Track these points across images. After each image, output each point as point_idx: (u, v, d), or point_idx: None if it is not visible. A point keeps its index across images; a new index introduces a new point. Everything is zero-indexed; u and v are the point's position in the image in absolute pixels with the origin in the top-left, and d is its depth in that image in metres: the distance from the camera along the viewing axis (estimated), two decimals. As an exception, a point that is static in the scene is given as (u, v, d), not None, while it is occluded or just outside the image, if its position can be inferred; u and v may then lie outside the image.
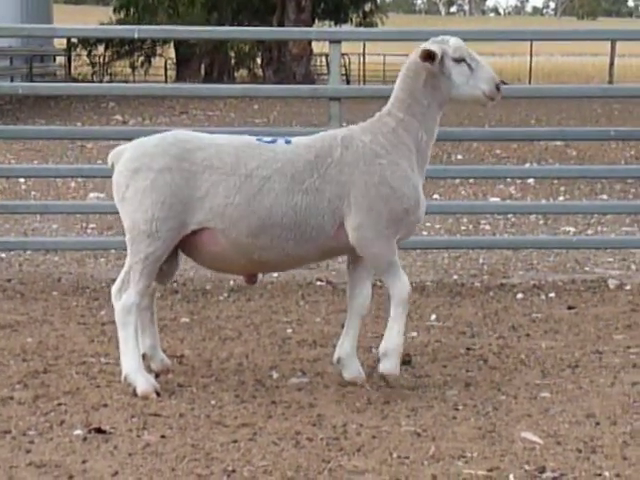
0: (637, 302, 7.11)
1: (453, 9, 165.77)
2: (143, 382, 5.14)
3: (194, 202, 5.13)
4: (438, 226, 10.06)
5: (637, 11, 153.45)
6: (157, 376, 5.35)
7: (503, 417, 4.83)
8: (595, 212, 10.03)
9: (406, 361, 5.64)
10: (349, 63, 38.04)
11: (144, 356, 5.37)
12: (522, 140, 11.82)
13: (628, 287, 7.49)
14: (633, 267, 8.36)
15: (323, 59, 35.34)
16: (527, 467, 4.22)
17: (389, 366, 5.18)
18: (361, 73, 39.89)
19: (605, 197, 11.72)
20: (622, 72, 35.66)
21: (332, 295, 7.38)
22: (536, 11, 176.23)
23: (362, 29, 28.70)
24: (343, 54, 35.77)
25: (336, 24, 39.39)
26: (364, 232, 5.16)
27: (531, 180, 12.27)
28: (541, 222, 10.19)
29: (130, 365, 5.17)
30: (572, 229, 9.83)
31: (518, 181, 12.39)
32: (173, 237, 5.16)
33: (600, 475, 4.14)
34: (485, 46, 46.16)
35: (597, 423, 4.73)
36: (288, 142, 5.33)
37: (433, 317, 6.77)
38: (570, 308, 6.88)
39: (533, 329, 6.48)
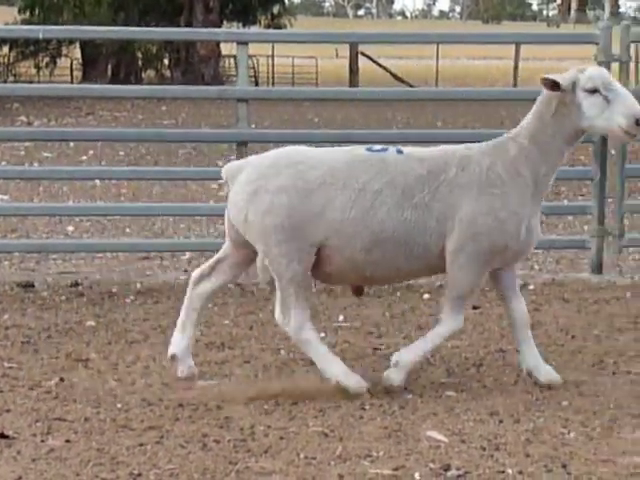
0: (540, 302, 7.23)
1: (361, 12, 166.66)
2: (355, 381, 5.12)
3: (311, 220, 5.09)
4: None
5: (541, 15, 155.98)
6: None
7: (409, 416, 4.87)
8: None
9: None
10: (258, 65, 38.02)
11: (174, 357, 5.32)
12: (429, 142, 11.90)
13: (531, 287, 7.61)
14: (536, 267, 8.50)
15: (232, 61, 35.24)
16: (432, 465, 4.26)
17: (395, 377, 5.18)
18: (270, 75, 39.90)
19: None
20: (526, 75, 36.19)
21: (241, 297, 7.37)
22: (442, 15, 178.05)
23: (270, 31, 28.71)
24: (252, 56, 35.84)
25: (244, 26, 39.33)
26: (459, 255, 5.11)
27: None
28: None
29: (336, 370, 5.15)
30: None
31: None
32: (306, 257, 5.12)
33: (503, 472, 4.20)
34: (393, 49, 46.50)
35: (500, 421, 4.80)
36: (400, 152, 5.25)
37: (341, 318, 6.81)
38: (475, 308, 6.97)
39: (439, 329, 6.55)
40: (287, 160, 5.21)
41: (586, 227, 9.28)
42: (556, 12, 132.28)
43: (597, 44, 7.92)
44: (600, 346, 6.11)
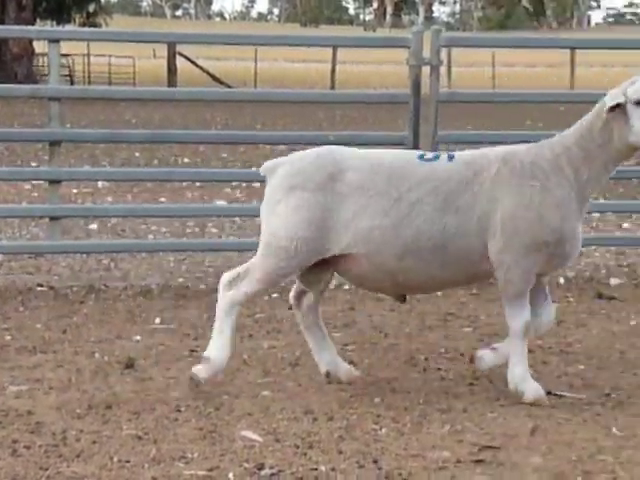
0: (354, 301, 7.35)
1: (179, 12, 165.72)
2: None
3: (340, 225, 5.02)
4: (164, 229, 10.04)
5: (358, 19, 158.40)
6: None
7: (224, 417, 4.88)
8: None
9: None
10: (73, 64, 37.36)
11: (327, 373, 5.38)
12: (248, 143, 11.95)
13: (346, 287, 7.72)
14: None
15: (47, 59, 34.52)
16: (246, 465, 4.28)
17: (530, 391, 5.09)
18: (86, 74, 39.27)
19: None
20: (343, 78, 36.72)
21: (54, 300, 7.23)
22: (261, 17, 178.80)
23: (83, 29, 28.20)
24: (67, 55, 35.20)
25: (59, 24, 38.60)
26: (504, 256, 4.99)
27: (257, 184, 12.44)
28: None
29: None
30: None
31: (244, 184, 12.53)
32: (309, 259, 5.09)
33: (316, 469, 4.25)
34: (211, 50, 46.41)
35: (315, 419, 4.86)
36: (451, 158, 5.14)
37: (157, 320, 6.75)
38: (291, 308, 7.02)
39: (256, 329, 6.59)
40: (329, 158, 5.13)
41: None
42: (372, 16, 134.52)
43: (409, 48, 8.10)
44: (411, 343, 6.25)
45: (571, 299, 7.49)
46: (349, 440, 4.59)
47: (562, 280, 8.06)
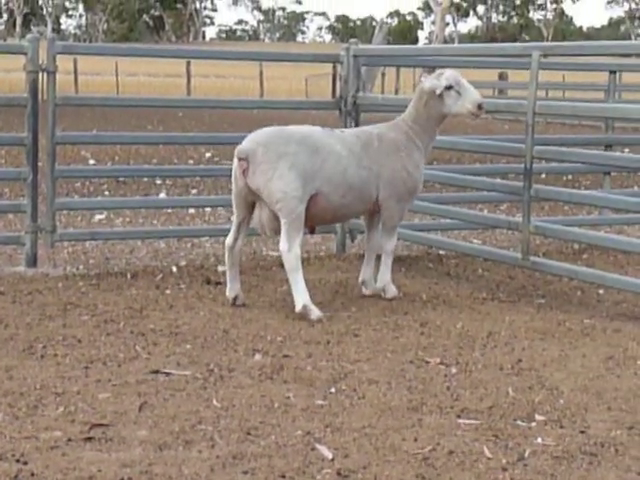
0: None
1: None
2: (316, 310, 6.51)
3: (314, 172, 6.69)
4: None
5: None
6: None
7: None
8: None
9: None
10: None
11: (236, 297, 6.93)
12: None
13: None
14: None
15: None
16: None
17: (390, 291, 7.21)
18: None
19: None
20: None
21: None
22: None
23: None
24: None
25: None
26: (388, 201, 7.05)
27: None
28: None
29: (305, 298, 6.48)
30: None
31: None
32: (306, 199, 6.69)
33: None
34: None
35: None
36: (342, 132, 7.14)
37: None
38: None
39: None
40: (288, 134, 6.68)
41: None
42: (3, 27, 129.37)
43: (26, 54, 7.85)
44: (31, 333, 6.05)
45: (182, 286, 7.53)
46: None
47: (174, 268, 8.10)
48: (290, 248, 6.51)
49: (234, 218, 6.89)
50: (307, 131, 6.83)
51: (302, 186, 6.57)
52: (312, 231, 7.19)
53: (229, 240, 6.89)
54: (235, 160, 6.69)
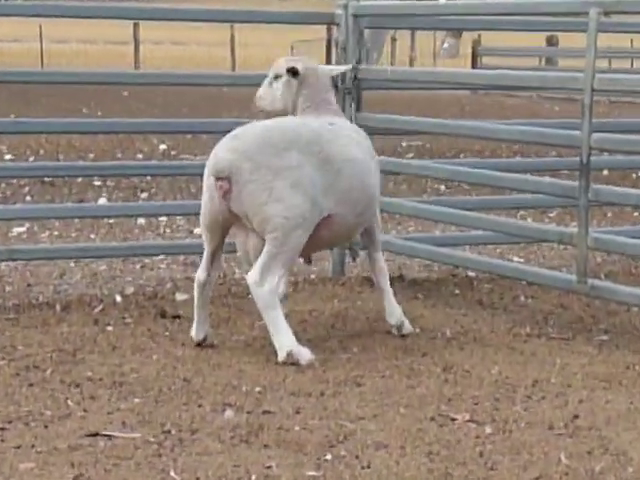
0: None
1: None
2: (306, 353, 6.46)
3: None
4: None
5: None
6: None
7: None
8: None
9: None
10: None
11: (205, 339, 6.92)
12: None
13: None
14: None
15: None
16: None
17: (404, 326, 7.21)
18: None
19: None
20: None
21: None
22: None
23: None
24: None
25: None
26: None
27: None
28: None
29: (289, 342, 6.43)
30: None
31: None
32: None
33: None
34: None
35: None
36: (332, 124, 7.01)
37: None
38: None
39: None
40: (284, 138, 6.59)
41: None
42: None
43: None
44: None
45: (129, 320, 7.53)
46: None
47: (118, 298, 8.11)
48: (263, 282, 6.40)
49: (205, 246, 6.81)
50: (312, 131, 6.75)
51: (310, 209, 6.51)
52: (309, 261, 7.20)
53: (201, 274, 6.83)
54: (211, 178, 6.51)
